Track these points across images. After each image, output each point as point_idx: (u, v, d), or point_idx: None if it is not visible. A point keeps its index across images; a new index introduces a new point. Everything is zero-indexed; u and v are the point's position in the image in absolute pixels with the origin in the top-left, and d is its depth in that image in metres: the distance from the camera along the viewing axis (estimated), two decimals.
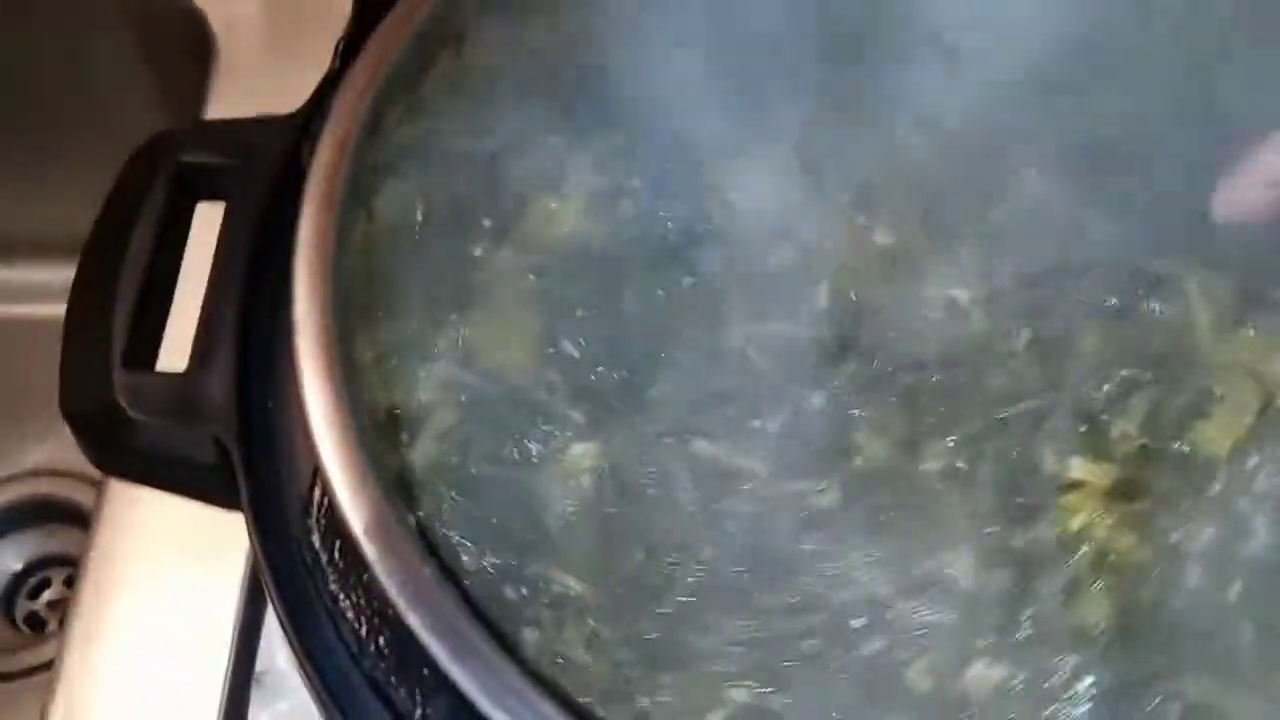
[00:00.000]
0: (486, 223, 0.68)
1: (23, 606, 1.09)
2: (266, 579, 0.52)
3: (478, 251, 0.62)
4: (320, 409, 0.50)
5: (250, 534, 0.53)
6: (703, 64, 0.64)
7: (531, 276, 0.63)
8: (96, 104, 1.06)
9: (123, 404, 0.54)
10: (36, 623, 1.08)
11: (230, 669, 0.76)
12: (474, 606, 0.48)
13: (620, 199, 0.67)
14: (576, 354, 0.61)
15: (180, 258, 0.59)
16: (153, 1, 1.03)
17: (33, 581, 1.10)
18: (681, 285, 0.63)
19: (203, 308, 0.56)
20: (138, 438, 0.54)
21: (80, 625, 0.78)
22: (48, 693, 0.78)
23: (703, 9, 0.66)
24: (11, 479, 1.10)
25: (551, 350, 0.61)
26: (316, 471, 0.50)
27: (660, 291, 0.63)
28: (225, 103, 0.98)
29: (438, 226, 0.63)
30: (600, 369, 0.61)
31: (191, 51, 1.01)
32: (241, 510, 0.54)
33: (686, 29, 0.66)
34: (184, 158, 0.60)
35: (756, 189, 0.65)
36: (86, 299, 0.56)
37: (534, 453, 0.56)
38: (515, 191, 0.65)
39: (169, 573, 0.79)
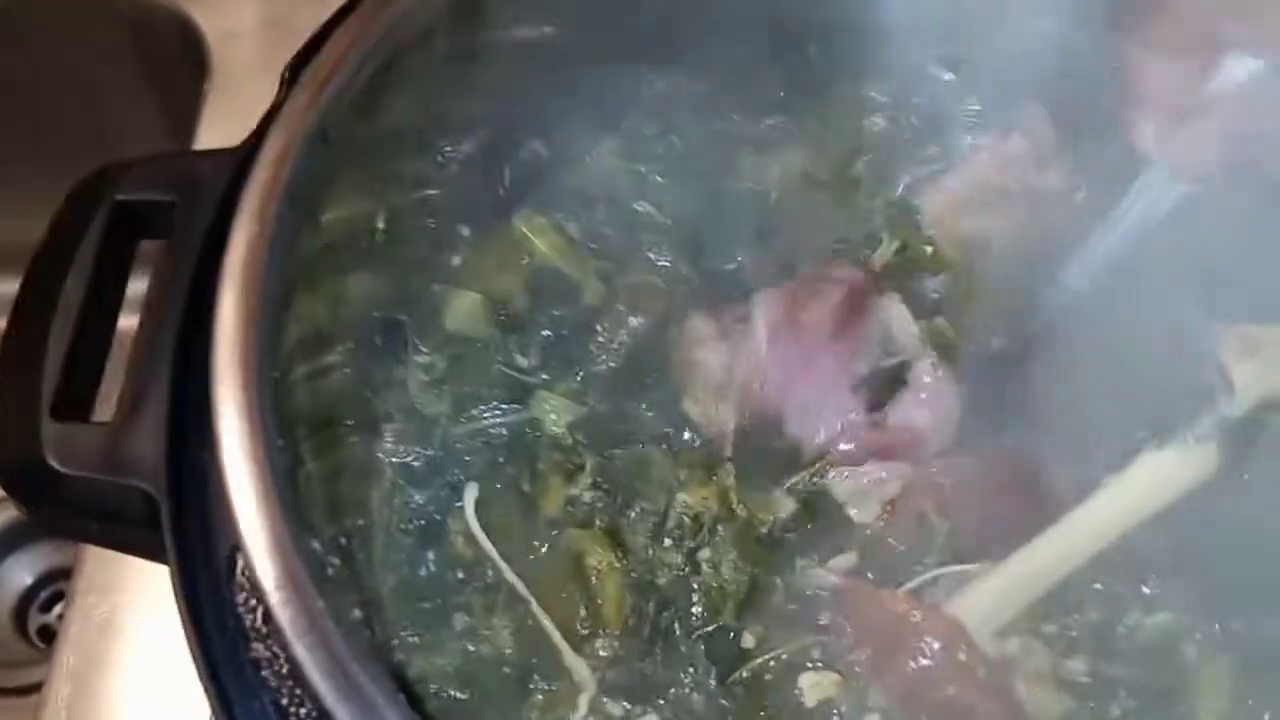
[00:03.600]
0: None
1: (35, 620, 1.10)
2: (190, 641, 0.50)
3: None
4: (240, 475, 0.47)
5: (175, 595, 0.50)
6: None
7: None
8: (95, 118, 1.06)
9: (48, 458, 0.52)
10: (49, 636, 1.09)
11: None
12: (396, 683, 0.46)
13: None
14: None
15: (119, 300, 0.57)
16: (149, 17, 1.02)
17: (44, 595, 1.10)
18: None
19: (132, 353, 0.54)
20: (67, 491, 0.53)
21: (69, 648, 0.78)
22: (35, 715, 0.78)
23: None
24: None
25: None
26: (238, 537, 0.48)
27: None
28: (221, 117, 0.98)
29: (374, 258, 0.61)
30: None
31: (188, 65, 1.00)
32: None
33: None
34: (122, 195, 0.57)
35: None
36: (17, 347, 0.54)
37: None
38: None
39: (157, 593, 0.78)
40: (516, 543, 0.63)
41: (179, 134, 1.00)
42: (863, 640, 0.58)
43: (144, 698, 0.77)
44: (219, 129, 0.97)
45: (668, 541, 0.62)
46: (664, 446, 0.64)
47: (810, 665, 0.58)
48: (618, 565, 0.61)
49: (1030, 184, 0.70)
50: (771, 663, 0.58)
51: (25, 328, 0.55)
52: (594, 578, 0.61)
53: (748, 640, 0.60)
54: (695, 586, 0.61)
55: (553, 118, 0.69)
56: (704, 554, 0.60)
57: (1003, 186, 0.69)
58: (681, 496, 0.61)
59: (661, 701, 0.58)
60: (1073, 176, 0.70)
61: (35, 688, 1.04)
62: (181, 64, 1.01)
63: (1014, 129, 0.71)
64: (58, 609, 1.09)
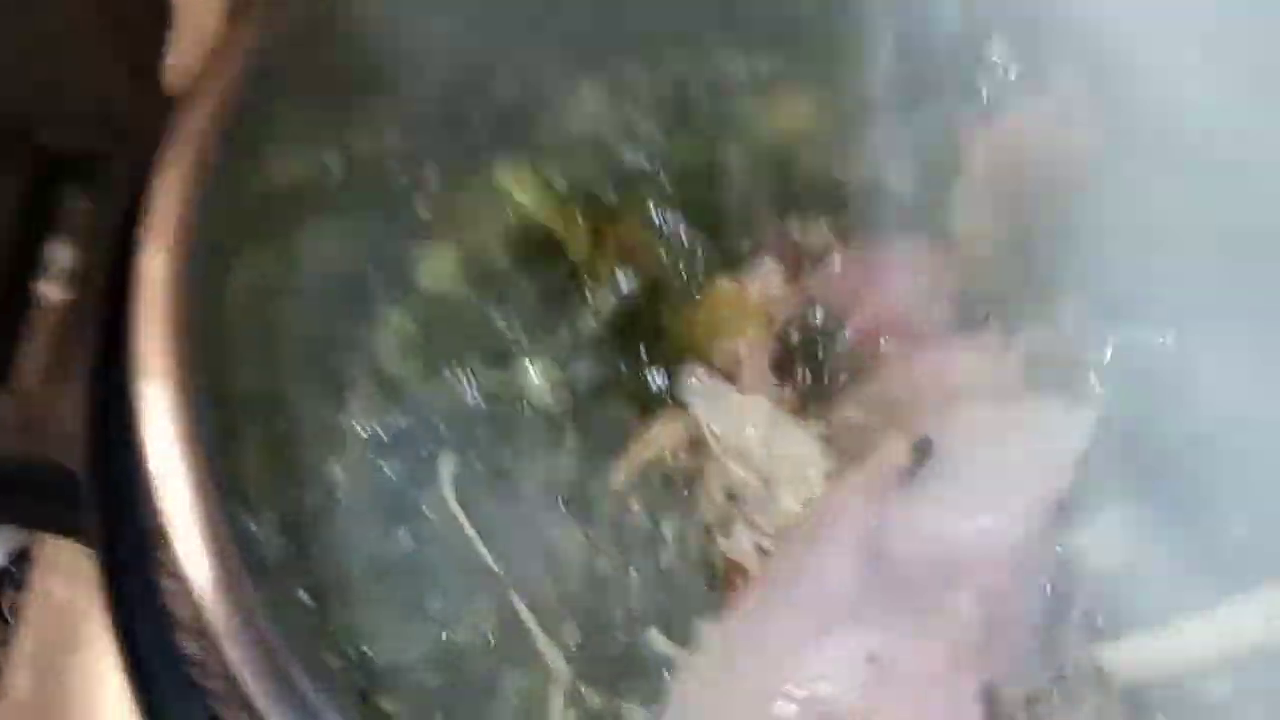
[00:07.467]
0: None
1: (9, 599, 1.06)
2: (115, 638, 0.45)
3: None
4: (163, 452, 0.42)
5: (99, 585, 0.45)
6: None
7: None
8: (54, 69, 1.00)
9: None
10: None
11: None
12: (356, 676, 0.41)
13: None
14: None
15: (39, 255, 0.52)
16: None
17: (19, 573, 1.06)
18: None
19: (58, 314, 0.49)
20: None
21: (29, 633, 0.74)
22: None
23: None
24: None
25: None
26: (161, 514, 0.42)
27: None
28: (185, 67, 0.93)
29: (335, 209, 0.56)
30: None
31: (150, 13, 0.95)
32: None
33: None
34: (44, 144, 0.52)
35: None
36: None
37: None
38: None
39: None
40: (495, 519, 0.58)
41: (141, 86, 0.95)
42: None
43: (114, 681, 0.72)
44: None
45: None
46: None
47: None
48: (582, 537, 0.56)
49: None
50: None
51: None
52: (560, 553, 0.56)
53: None
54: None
55: (530, 55, 0.63)
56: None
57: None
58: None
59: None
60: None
61: None
62: (144, 12, 0.96)
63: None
64: None
